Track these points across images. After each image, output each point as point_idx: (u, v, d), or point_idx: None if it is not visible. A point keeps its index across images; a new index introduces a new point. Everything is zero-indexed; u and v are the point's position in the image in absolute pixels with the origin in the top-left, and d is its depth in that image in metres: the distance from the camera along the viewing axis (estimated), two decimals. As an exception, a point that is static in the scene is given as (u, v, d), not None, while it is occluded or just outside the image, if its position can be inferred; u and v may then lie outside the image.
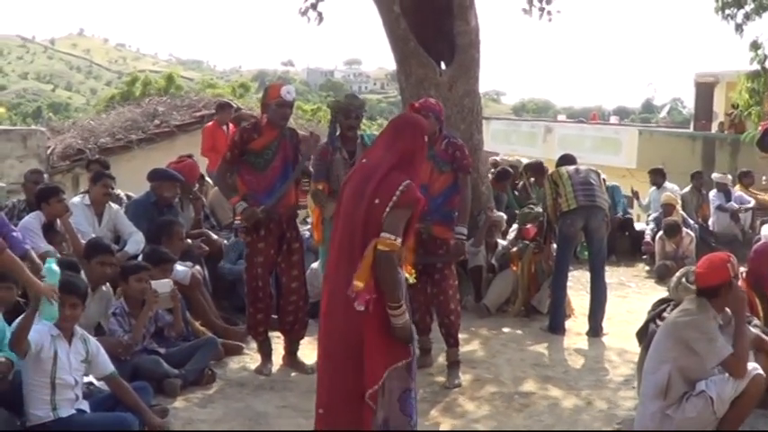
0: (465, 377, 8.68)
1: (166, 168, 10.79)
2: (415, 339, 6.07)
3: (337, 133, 8.90)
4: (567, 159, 11.57)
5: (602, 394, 8.36)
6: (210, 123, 15.65)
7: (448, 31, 12.65)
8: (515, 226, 12.56)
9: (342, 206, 5.79)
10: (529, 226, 11.83)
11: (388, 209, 5.51)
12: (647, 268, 15.21)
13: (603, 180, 11.33)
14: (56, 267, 6.37)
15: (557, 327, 10.58)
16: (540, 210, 12.22)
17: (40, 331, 6.38)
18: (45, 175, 12.92)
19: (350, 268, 5.52)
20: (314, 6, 15.02)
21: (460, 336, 8.96)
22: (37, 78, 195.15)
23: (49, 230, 9.18)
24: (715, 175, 17.98)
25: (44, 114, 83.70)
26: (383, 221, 5.50)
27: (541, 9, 14.87)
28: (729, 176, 17.99)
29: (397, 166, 5.67)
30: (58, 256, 8.59)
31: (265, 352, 8.83)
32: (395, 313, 5.55)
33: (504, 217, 12.60)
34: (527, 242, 11.61)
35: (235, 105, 19.12)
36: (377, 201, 5.54)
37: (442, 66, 12.73)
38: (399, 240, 5.53)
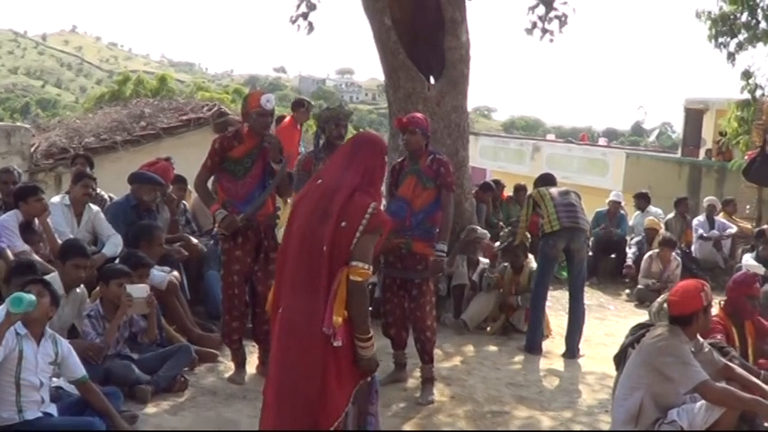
0: (439, 394, 8.64)
1: (146, 172, 10.70)
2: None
3: (321, 143, 8.85)
4: (546, 179, 11.53)
5: (576, 416, 8.35)
6: (287, 120, 15.37)
7: (438, 46, 12.62)
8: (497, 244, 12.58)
9: (297, 226, 5.47)
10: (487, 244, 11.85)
11: (358, 233, 5.29)
12: (628, 291, 15.20)
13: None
14: (27, 296, 6.27)
15: (533, 346, 10.55)
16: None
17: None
18: (24, 173, 12.86)
19: (311, 296, 5.28)
20: (304, 16, 14.99)
21: (437, 351, 8.95)
22: (27, 74, 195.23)
23: (26, 230, 9.12)
24: (707, 199, 18.03)
25: (32, 110, 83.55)
26: (352, 247, 5.29)
27: (544, 30, 14.86)
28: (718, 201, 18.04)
29: (359, 186, 5.44)
30: (36, 257, 8.57)
31: (239, 360, 8.77)
32: (364, 345, 5.38)
33: (488, 234, 12.56)
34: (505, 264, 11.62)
35: (229, 113, 19.11)
36: (343, 224, 5.28)
37: (431, 80, 12.70)
38: (371, 269, 5.34)
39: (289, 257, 5.48)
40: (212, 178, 8.71)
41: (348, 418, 5.45)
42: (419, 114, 8.97)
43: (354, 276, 5.25)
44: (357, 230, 5.29)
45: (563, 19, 14.69)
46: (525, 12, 14.85)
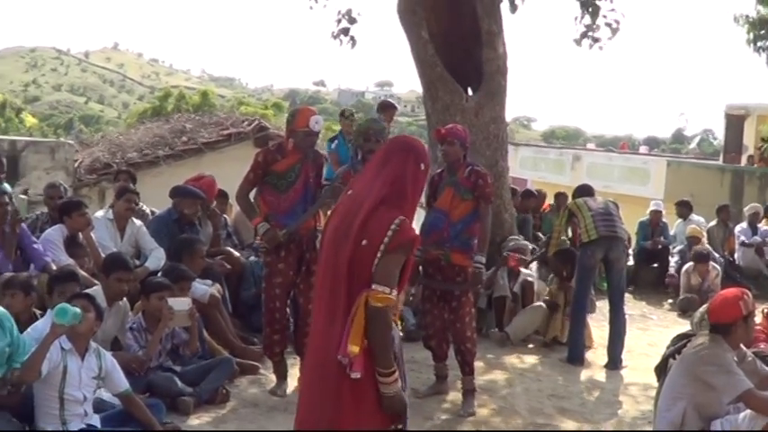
0: (482, 406, 8.63)
1: (188, 186, 10.78)
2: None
3: (359, 157, 8.88)
4: (584, 191, 11.49)
5: (619, 428, 8.33)
6: None
7: (476, 58, 12.66)
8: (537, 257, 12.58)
9: (324, 248, 4.88)
10: (515, 255, 11.79)
11: (379, 254, 4.58)
12: (671, 301, 15.11)
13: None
14: (72, 308, 6.31)
15: (575, 358, 10.51)
16: (563, 238, 12.27)
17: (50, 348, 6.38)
18: (69, 188, 12.97)
19: (330, 320, 4.67)
20: (345, 32, 15.08)
21: (478, 363, 8.95)
22: (70, 90, 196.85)
23: (71, 244, 9.22)
24: (749, 206, 17.83)
25: (75, 126, 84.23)
26: (374, 269, 4.58)
27: (594, 39, 14.85)
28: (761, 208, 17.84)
29: (388, 198, 4.74)
30: (80, 271, 8.67)
31: (280, 373, 8.78)
32: (386, 381, 4.60)
33: (529, 246, 12.55)
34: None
35: (269, 127, 19.20)
36: (364, 242, 4.61)
37: (469, 92, 12.73)
38: (394, 293, 4.61)
39: (318, 279, 4.94)
40: (254, 191, 8.75)
41: None
42: (458, 126, 9.00)
43: (374, 302, 4.51)
44: (379, 249, 4.60)
45: (614, 26, 14.67)
46: (572, 22, 14.87)
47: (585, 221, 10.40)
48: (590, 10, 14.56)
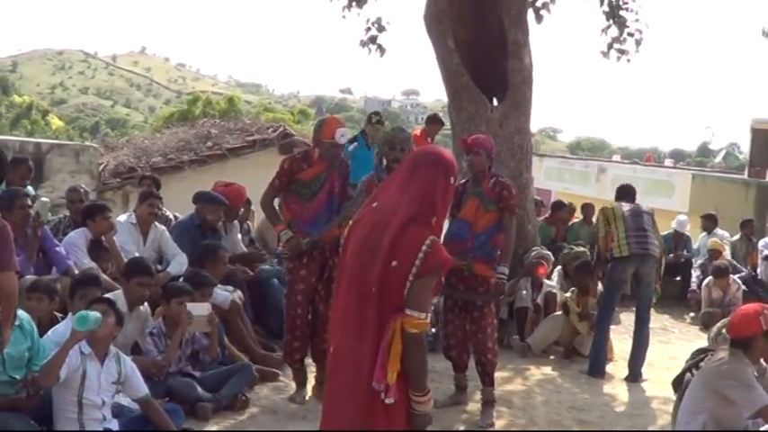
0: (500, 417, 8.60)
1: (210, 191, 10.84)
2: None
3: (383, 165, 8.85)
4: (625, 192, 11.14)
5: (637, 441, 8.26)
6: (418, 132, 15.35)
7: (501, 68, 12.64)
8: (559, 267, 12.54)
9: (347, 260, 4.76)
10: (543, 263, 11.74)
11: (411, 277, 4.48)
12: (692, 314, 15.04)
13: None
14: (93, 314, 6.32)
15: (597, 370, 10.48)
16: (582, 249, 12.21)
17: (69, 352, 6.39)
18: (92, 192, 13.05)
19: (359, 341, 4.59)
20: (374, 40, 15.09)
21: (499, 374, 8.93)
22: (97, 94, 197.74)
23: (94, 247, 9.25)
24: None
25: (101, 130, 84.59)
26: (406, 293, 4.49)
27: (620, 51, 14.83)
28: None
29: (417, 214, 4.61)
30: (103, 275, 8.69)
31: (300, 380, 8.78)
32: (420, 400, 4.62)
33: (551, 256, 12.50)
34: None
35: (294, 134, 19.25)
36: (394, 263, 4.49)
37: (495, 102, 12.71)
38: (429, 317, 4.59)
39: (339, 292, 4.82)
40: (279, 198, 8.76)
41: None
42: (483, 136, 8.98)
43: (410, 328, 4.48)
44: (410, 272, 4.50)
45: (638, 37, 14.65)
46: (598, 34, 14.87)
47: (619, 236, 10.30)
48: (616, 21, 14.52)
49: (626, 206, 10.69)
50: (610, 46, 14.83)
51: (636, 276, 10.58)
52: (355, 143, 13.25)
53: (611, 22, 14.63)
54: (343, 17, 15.13)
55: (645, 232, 10.41)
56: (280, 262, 10.52)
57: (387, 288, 4.51)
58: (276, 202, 8.74)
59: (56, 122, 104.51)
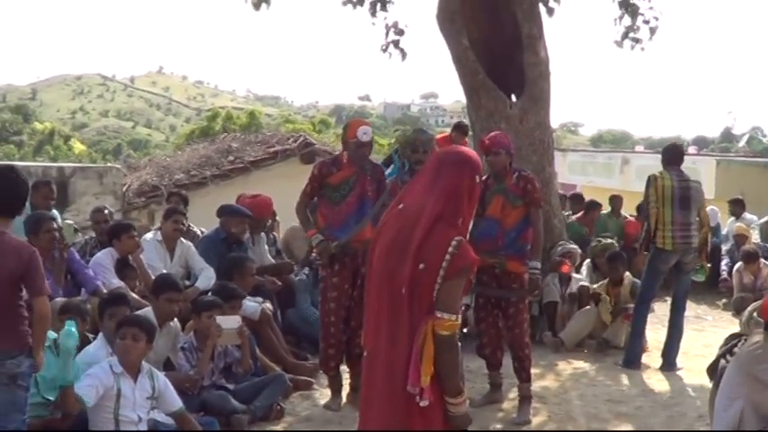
0: (537, 414, 8.56)
1: (234, 204, 10.90)
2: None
3: (406, 168, 8.83)
4: (673, 154, 10.71)
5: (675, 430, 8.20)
6: (440, 137, 15.33)
7: (517, 63, 12.60)
8: (588, 261, 12.50)
9: (376, 263, 4.77)
10: (567, 261, 11.69)
11: (439, 279, 4.48)
12: (725, 300, 14.93)
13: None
14: (74, 330, 6.29)
15: (633, 360, 10.42)
16: (610, 241, 12.17)
17: (100, 374, 6.43)
18: (116, 212, 13.10)
19: (392, 344, 4.61)
20: (395, 44, 15.07)
21: (533, 370, 8.87)
22: (117, 116, 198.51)
23: (122, 266, 9.29)
24: None
25: (124, 151, 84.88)
26: (435, 296, 4.50)
27: (634, 40, 14.77)
28: None
29: (443, 215, 4.60)
30: (132, 293, 8.72)
31: (335, 387, 8.74)
32: (455, 402, 4.64)
33: (579, 250, 12.47)
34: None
35: (315, 143, 19.28)
36: (422, 266, 4.49)
37: (513, 98, 12.67)
38: (459, 318, 4.60)
39: (370, 297, 4.83)
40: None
41: None
42: (501, 134, 8.92)
43: (441, 330, 4.48)
44: (438, 273, 4.50)
45: (652, 25, 14.59)
46: (612, 24, 14.80)
47: (665, 228, 10.17)
48: (629, 10, 14.47)
49: (676, 180, 10.33)
50: (624, 35, 14.76)
51: (676, 264, 10.50)
52: (391, 165, 13.27)
53: (624, 11, 14.56)
54: (373, 24, 15.05)
55: (689, 226, 10.27)
56: (315, 271, 10.43)
57: (416, 290, 4.51)
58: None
59: (78, 147, 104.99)
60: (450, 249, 4.48)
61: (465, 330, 9.92)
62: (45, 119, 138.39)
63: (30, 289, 5.67)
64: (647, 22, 14.56)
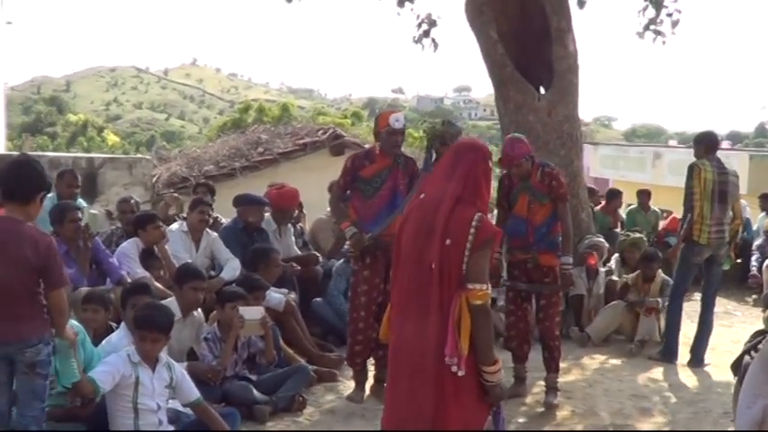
0: (560, 408, 8.53)
1: (249, 193, 10.95)
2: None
3: (433, 159, 8.78)
4: (710, 143, 10.61)
5: (701, 426, 8.14)
6: None
7: (546, 56, 12.55)
8: (616, 255, 12.44)
9: (404, 247, 5.17)
10: (594, 253, 11.64)
11: (467, 252, 4.90)
12: (755, 296, 14.80)
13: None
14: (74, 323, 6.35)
15: (670, 354, 10.36)
16: (639, 235, 12.10)
17: (117, 362, 6.42)
18: (143, 202, 13.15)
19: (423, 320, 4.96)
20: (427, 34, 15.02)
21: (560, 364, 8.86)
22: (151, 108, 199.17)
23: (147, 257, 9.32)
24: None
25: (157, 143, 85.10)
26: (464, 269, 4.91)
27: (656, 32, 14.67)
28: None
29: (464, 196, 5.07)
30: (156, 283, 8.75)
31: (359, 379, 8.74)
32: (490, 370, 4.99)
33: (606, 244, 12.40)
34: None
35: (345, 135, 19.25)
36: (448, 242, 4.92)
37: (541, 91, 12.61)
38: (489, 288, 4.99)
39: (398, 281, 5.22)
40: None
41: None
42: (516, 142, 8.58)
43: (475, 300, 4.88)
44: (465, 248, 4.92)
45: (675, 18, 14.47)
46: (635, 15, 14.69)
47: (703, 221, 10.07)
48: (653, 2, 14.36)
49: (716, 173, 10.19)
50: (646, 27, 14.64)
51: (709, 257, 10.40)
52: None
53: (648, 2, 14.45)
54: (398, 14, 15.04)
55: (723, 224, 10.18)
56: (347, 261, 10.40)
57: (445, 266, 4.92)
58: None
59: (111, 138, 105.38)
60: (473, 224, 4.95)
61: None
62: (79, 110, 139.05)
63: (47, 281, 5.68)
64: (669, 14, 14.43)
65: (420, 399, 4.97)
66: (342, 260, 10.97)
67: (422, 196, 5.29)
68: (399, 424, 5.10)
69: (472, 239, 4.94)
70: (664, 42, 14.66)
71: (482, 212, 5.06)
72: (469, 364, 4.93)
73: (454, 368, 4.86)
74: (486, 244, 4.98)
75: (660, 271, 11.34)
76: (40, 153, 19.92)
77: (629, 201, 16.94)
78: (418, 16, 15.10)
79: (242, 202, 10.65)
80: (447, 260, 4.93)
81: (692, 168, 10.21)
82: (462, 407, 4.97)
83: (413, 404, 5.00)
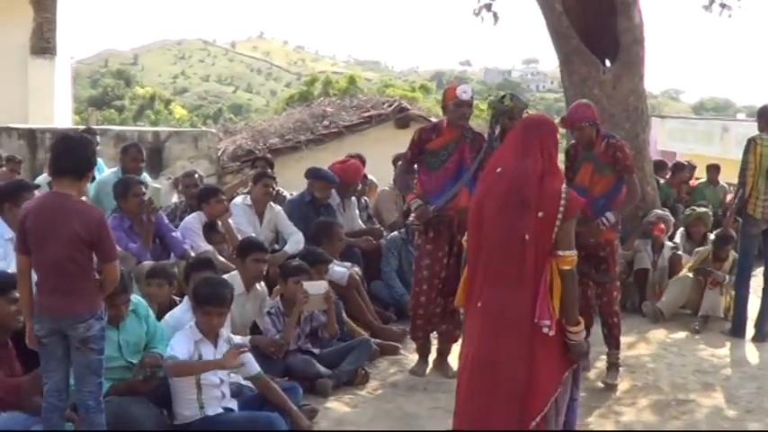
0: (624, 382, 8.50)
1: (322, 169, 10.93)
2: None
3: (496, 134, 8.72)
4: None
5: (764, 403, 8.07)
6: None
7: (611, 29, 12.40)
8: (682, 229, 12.33)
9: (489, 218, 5.53)
10: (659, 223, 11.53)
11: (558, 223, 5.39)
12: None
13: None
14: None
15: (739, 329, 10.27)
16: (704, 210, 11.97)
17: (182, 341, 6.48)
18: (208, 176, 13.21)
19: (516, 287, 5.39)
20: (488, 7, 14.91)
21: (624, 339, 8.91)
22: (218, 81, 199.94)
23: (210, 230, 9.37)
24: None
25: (224, 116, 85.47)
26: (554, 236, 5.39)
27: (722, 5, 14.49)
28: None
29: (545, 169, 5.47)
30: (217, 256, 8.80)
31: (423, 353, 8.75)
32: (575, 330, 5.50)
33: (672, 219, 12.27)
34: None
35: (410, 108, 19.21)
36: (540, 214, 5.36)
37: (607, 63, 12.49)
38: (576, 254, 5.48)
39: (483, 251, 5.57)
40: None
41: (555, 404, 5.51)
42: (582, 106, 8.57)
43: (564, 266, 5.40)
44: (556, 218, 5.39)
45: None
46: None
47: (757, 196, 10.06)
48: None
49: None
50: (712, 0, 14.46)
51: (765, 233, 10.35)
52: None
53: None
54: None
55: None
56: (408, 234, 10.40)
57: (538, 235, 5.36)
58: None
59: (179, 111, 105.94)
60: (563, 197, 5.41)
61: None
62: (146, 83, 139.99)
63: (100, 255, 5.71)
64: None
65: (515, 357, 5.38)
66: (391, 234, 11.01)
67: (498, 170, 5.61)
68: (488, 389, 5.44)
69: (563, 211, 5.39)
70: (730, 15, 14.49)
71: (561, 178, 5.57)
72: (557, 323, 5.41)
73: (545, 329, 5.34)
74: (573, 215, 5.48)
75: (733, 252, 11.19)
76: (106, 126, 20.07)
77: (698, 175, 16.71)
78: (479, -12, 14.98)
79: (313, 175, 10.71)
80: (540, 232, 5.36)
81: (749, 143, 10.28)
82: (548, 362, 5.43)
83: (508, 362, 5.39)
